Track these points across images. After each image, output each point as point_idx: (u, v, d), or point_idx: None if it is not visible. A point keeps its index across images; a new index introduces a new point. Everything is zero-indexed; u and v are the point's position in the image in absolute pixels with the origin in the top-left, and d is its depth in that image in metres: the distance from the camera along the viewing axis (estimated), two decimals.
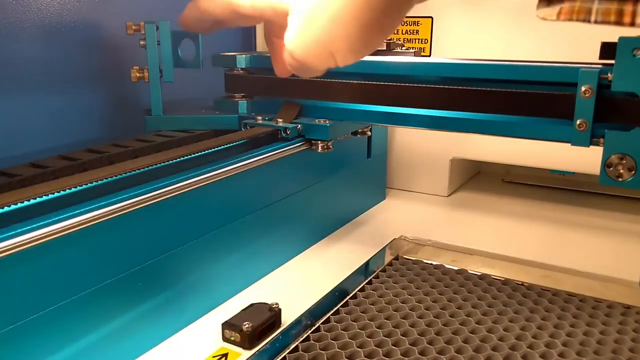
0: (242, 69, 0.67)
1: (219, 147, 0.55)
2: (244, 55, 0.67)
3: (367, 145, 0.77)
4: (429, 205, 0.82)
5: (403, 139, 0.86)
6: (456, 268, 0.57)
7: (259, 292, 0.54)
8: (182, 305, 0.47)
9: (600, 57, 0.47)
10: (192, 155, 0.52)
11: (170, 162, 0.49)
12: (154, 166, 0.48)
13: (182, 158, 0.51)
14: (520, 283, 0.54)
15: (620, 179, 0.45)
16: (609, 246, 0.67)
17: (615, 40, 0.43)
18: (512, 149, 0.77)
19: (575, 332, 0.46)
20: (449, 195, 0.86)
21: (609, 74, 0.44)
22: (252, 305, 0.47)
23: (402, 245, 0.64)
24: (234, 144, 0.57)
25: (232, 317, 0.45)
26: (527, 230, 0.72)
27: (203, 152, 0.53)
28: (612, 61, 0.44)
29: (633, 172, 0.44)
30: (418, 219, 0.76)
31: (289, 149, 0.58)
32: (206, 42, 0.65)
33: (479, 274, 0.56)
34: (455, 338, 0.44)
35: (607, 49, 0.45)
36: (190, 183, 0.45)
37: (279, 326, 0.46)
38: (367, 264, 0.60)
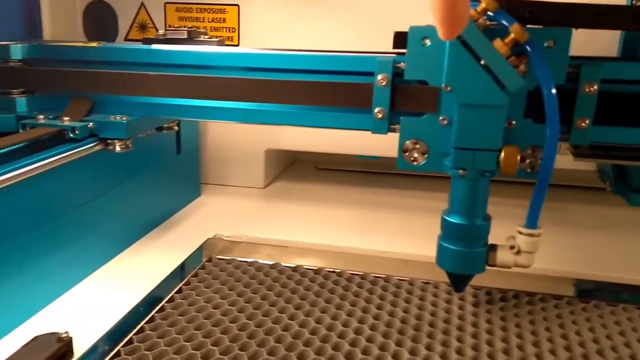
0: (18, 60, 0.58)
1: None
2: (19, 45, 0.58)
3: (176, 140, 0.73)
4: (245, 198, 0.80)
5: (216, 133, 0.83)
6: (270, 262, 0.56)
7: (47, 321, 0.46)
8: None
9: (394, 47, 0.48)
10: None
11: None
12: None
13: None
14: (331, 270, 0.55)
15: (416, 163, 0.48)
16: (413, 225, 0.72)
17: (407, 29, 0.44)
18: (323, 138, 0.78)
19: (381, 314, 0.47)
20: (265, 187, 0.85)
21: (401, 63, 0.46)
22: (36, 338, 0.40)
23: (217, 245, 0.61)
24: (10, 148, 0.49)
25: (9, 357, 0.38)
26: (339, 216, 0.74)
27: None
28: (405, 50, 0.45)
29: (426, 155, 0.47)
30: (235, 214, 0.74)
31: (79, 150, 0.51)
32: None
33: (293, 265, 0.55)
34: (268, 339, 0.43)
35: (400, 39, 0.46)
36: None
37: (70, 358, 0.40)
38: (180, 268, 0.56)
